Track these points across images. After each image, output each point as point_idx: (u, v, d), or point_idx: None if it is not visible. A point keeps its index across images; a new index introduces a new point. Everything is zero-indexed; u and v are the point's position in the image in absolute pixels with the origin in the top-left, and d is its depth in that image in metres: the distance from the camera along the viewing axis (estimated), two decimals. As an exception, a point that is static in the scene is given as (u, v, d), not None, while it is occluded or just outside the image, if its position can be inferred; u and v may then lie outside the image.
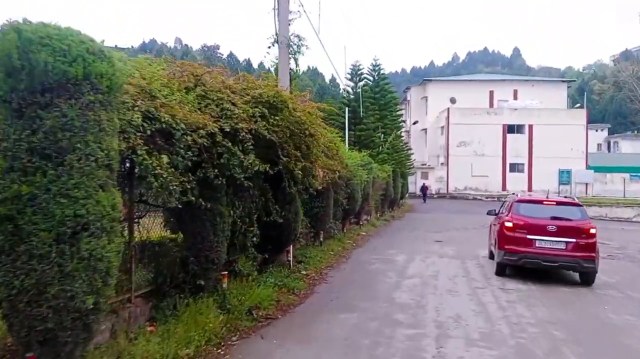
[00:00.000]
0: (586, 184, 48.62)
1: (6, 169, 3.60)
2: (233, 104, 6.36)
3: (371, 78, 29.72)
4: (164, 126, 4.99)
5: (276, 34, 10.74)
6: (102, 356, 4.42)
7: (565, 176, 48.81)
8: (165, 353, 4.78)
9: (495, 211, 13.15)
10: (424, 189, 45.85)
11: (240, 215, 7.43)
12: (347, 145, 22.08)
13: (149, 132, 4.79)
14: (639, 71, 59.70)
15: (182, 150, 5.23)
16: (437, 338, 6.36)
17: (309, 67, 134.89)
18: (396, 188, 29.91)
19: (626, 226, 28.02)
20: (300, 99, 8.59)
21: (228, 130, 6.02)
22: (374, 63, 29.66)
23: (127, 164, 5.11)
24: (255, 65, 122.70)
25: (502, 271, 10.73)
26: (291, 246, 9.90)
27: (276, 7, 10.70)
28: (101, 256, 3.85)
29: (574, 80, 51.57)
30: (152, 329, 5.36)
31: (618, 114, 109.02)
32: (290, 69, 11.23)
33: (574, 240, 10.03)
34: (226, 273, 7.04)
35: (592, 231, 10.19)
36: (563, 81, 53.80)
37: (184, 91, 6.00)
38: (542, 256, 10.07)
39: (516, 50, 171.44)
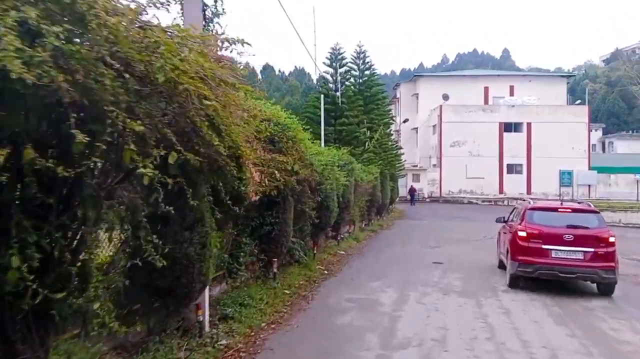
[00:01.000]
0: (589, 186, 45.26)
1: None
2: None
3: (355, 67, 25.99)
4: None
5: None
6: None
7: (566, 178, 45.42)
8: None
9: (504, 218, 12.58)
10: (411, 191, 43.62)
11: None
12: (322, 141, 18.28)
13: None
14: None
15: None
16: None
17: (295, 67, 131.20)
18: (385, 192, 26.12)
19: (648, 234, 24.39)
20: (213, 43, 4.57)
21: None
22: (358, 50, 25.89)
23: None
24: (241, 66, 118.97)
25: (516, 283, 10.19)
26: (206, 294, 5.98)
27: None
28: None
29: (574, 75, 48.40)
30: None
31: (611, 114, 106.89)
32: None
33: (592, 249, 9.70)
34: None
35: (612, 239, 9.79)
36: (562, 76, 50.56)
37: None
38: (559, 266, 9.68)
39: (506, 52, 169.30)
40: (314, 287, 9.36)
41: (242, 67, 5.78)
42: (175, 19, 5.59)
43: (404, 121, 44.15)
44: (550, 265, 9.66)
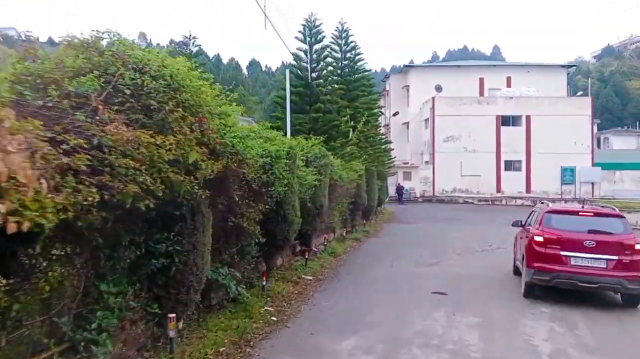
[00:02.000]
0: (592, 183, 42.05)
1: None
2: None
3: (336, 47, 22.31)
4: None
5: None
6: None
7: (568, 175, 42.18)
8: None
9: (521, 222, 11.81)
10: (399, 188, 41.13)
11: None
12: (288, 129, 14.61)
13: None
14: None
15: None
16: None
17: (282, 62, 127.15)
18: (371, 193, 22.56)
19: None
20: None
21: None
22: (340, 28, 22.09)
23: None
24: (225, 61, 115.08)
25: (532, 292, 9.56)
26: None
27: None
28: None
29: (575, 65, 44.94)
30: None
31: (604, 109, 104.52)
32: None
33: (616, 257, 8.99)
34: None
35: (638, 246, 9.01)
36: (562, 66, 47.31)
37: None
38: (579, 275, 8.99)
39: (496, 48, 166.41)
40: (244, 356, 5.69)
41: None
42: None
43: (394, 114, 40.64)
44: (568, 273, 9.06)
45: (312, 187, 10.74)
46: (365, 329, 6.98)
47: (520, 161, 42.71)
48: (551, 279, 9.08)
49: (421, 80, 48.07)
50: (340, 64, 22.01)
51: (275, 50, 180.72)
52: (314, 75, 17.04)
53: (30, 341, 3.78)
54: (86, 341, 4.40)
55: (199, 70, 5.51)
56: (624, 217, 9.75)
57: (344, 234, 17.90)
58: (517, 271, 11.01)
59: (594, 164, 42.20)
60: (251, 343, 6.13)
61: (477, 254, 15.25)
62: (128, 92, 4.28)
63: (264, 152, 7.19)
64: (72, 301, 4.34)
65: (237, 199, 6.34)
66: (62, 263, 3.87)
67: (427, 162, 44.89)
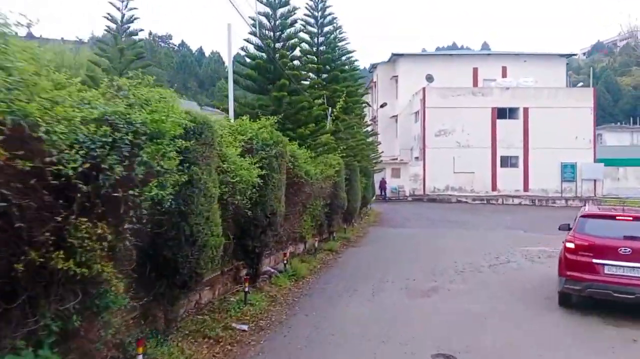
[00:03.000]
0: (594, 180, 39.00)
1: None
2: None
3: (312, 20, 18.62)
4: None
5: None
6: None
7: (569, 172, 39.09)
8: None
9: (569, 225, 9.92)
10: (382, 184, 38.36)
11: None
12: (231, 108, 10.96)
13: None
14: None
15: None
16: None
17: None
18: (353, 192, 19.09)
19: None
20: None
21: None
22: (316, -1, 18.56)
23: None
24: (207, 53, 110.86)
25: (566, 301, 8.92)
26: None
27: None
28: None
29: (575, 54, 41.85)
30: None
31: (597, 106, 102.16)
32: None
33: None
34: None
35: None
36: (561, 55, 44.23)
37: None
38: (613, 285, 8.25)
39: (485, 45, 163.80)
40: None
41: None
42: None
43: (382, 105, 37.18)
44: (602, 283, 8.32)
45: (252, 187, 7.20)
46: None
47: (517, 157, 39.55)
48: (583, 289, 8.50)
49: (411, 70, 44.69)
50: (316, 40, 18.49)
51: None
52: (278, 45, 13.47)
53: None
54: None
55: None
56: (666, 222, 8.61)
57: (316, 244, 14.38)
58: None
59: (596, 160, 39.16)
60: None
61: (486, 272, 11.82)
62: None
63: (97, 116, 3.57)
64: None
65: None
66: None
67: (417, 158, 41.59)
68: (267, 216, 8.41)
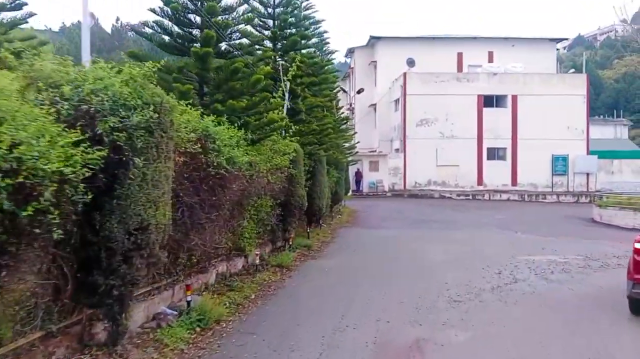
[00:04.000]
0: (587, 174, 36.18)
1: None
2: None
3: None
4: None
5: None
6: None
7: (560, 165, 36.21)
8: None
9: None
10: (358, 176, 35.69)
11: None
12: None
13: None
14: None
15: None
16: None
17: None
18: (318, 188, 15.52)
19: None
20: None
21: None
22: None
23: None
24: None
25: (636, 308, 7.66)
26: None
27: None
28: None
29: (566, 39, 38.96)
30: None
31: (589, 94, 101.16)
32: None
33: None
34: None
35: None
36: (551, 40, 41.26)
37: None
38: None
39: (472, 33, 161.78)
40: None
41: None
42: None
43: (358, 91, 33.68)
44: None
45: (75, 186, 3.58)
46: None
47: (505, 149, 36.49)
48: None
49: (391, 54, 41.22)
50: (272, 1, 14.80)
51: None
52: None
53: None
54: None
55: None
56: None
57: (259, 259, 10.75)
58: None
59: (589, 153, 36.33)
60: None
61: (490, 302, 8.35)
62: None
63: None
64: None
65: None
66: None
67: (397, 150, 38.24)
68: (129, 232, 4.76)
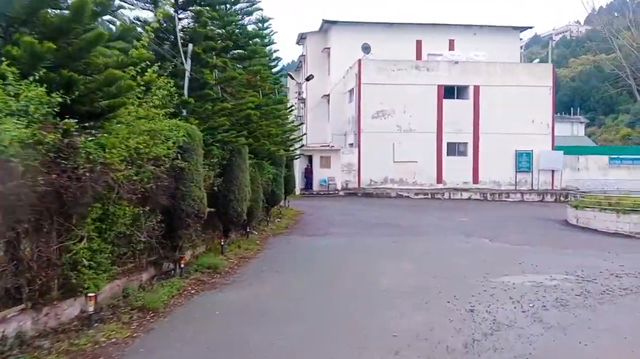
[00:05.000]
0: (553, 171, 33.91)
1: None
2: None
3: None
4: None
5: None
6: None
7: (524, 161, 33.80)
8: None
9: None
10: (307, 173, 32.69)
11: None
12: None
13: None
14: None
15: None
16: None
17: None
18: (234, 187, 11.79)
19: None
20: None
21: None
22: None
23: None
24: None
25: None
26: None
27: None
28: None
29: (531, 27, 36.78)
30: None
31: (555, 85, 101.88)
32: None
33: None
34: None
35: None
36: (515, 28, 38.94)
37: None
38: None
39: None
40: None
41: None
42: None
43: (308, 78, 30.05)
44: None
45: None
46: None
47: (466, 144, 33.77)
48: None
49: (346, 41, 37.90)
50: None
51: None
52: None
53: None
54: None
55: None
56: None
57: (120, 295, 6.96)
58: None
59: (554, 148, 34.08)
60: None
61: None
62: None
63: None
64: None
65: None
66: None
67: (351, 145, 34.91)
68: None
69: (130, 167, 6.89)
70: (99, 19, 7.42)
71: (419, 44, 38.10)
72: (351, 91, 35.34)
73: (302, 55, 42.35)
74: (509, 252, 13.38)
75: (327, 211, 23.66)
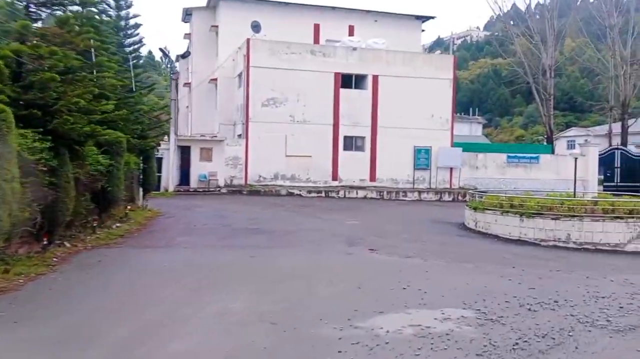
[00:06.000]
0: (451, 169, 32.32)
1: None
2: None
3: None
4: None
5: None
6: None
7: (423, 158, 31.85)
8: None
9: None
10: (183, 166, 28.69)
11: None
12: None
13: None
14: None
15: None
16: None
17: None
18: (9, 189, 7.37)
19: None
20: None
21: None
22: None
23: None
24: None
25: None
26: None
27: None
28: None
29: (433, 17, 34.94)
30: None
31: (456, 79, 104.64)
32: None
33: None
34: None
35: None
36: (418, 17, 37.07)
37: None
38: None
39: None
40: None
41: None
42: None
43: (183, 56, 25.56)
44: None
45: None
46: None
47: (363, 138, 31.13)
48: None
49: (236, 19, 33.67)
50: None
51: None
52: None
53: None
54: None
55: None
56: None
57: None
58: None
59: (453, 145, 32.51)
60: None
61: None
62: None
63: None
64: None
65: None
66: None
67: (240, 136, 30.90)
68: None
69: None
70: None
71: (317, 28, 34.92)
72: (240, 75, 31.30)
73: (188, 34, 37.45)
74: (395, 270, 10.26)
75: (194, 213, 19.54)
